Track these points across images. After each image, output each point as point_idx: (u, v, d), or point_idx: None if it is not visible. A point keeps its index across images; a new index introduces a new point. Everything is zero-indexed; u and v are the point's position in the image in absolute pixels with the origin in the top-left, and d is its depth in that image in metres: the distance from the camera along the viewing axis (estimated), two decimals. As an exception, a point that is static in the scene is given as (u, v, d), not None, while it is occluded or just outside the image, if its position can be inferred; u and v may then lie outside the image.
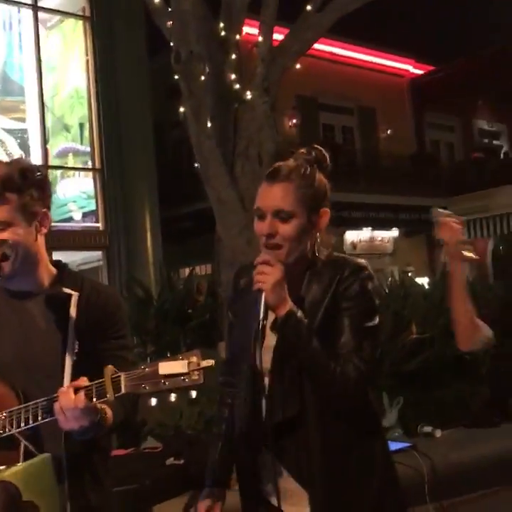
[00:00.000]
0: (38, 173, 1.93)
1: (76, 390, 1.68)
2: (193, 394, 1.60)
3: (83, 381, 1.70)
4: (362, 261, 1.99)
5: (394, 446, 4.16)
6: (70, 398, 1.66)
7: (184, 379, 1.57)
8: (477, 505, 3.58)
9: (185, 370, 1.57)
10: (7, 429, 1.72)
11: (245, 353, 1.89)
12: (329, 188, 2.03)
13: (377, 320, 1.94)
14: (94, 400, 1.67)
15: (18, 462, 1.70)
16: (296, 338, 1.83)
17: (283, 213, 1.90)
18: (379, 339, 2.13)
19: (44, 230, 1.95)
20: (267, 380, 1.91)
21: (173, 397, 1.59)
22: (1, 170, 1.86)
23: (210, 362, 1.60)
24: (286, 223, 1.91)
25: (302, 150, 2.02)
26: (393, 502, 1.99)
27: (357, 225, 16.34)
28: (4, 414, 1.74)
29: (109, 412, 1.78)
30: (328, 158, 2.06)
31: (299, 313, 1.85)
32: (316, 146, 2.04)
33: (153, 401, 1.61)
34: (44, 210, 1.93)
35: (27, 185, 1.88)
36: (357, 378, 1.83)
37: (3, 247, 1.82)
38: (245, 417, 1.96)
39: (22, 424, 1.73)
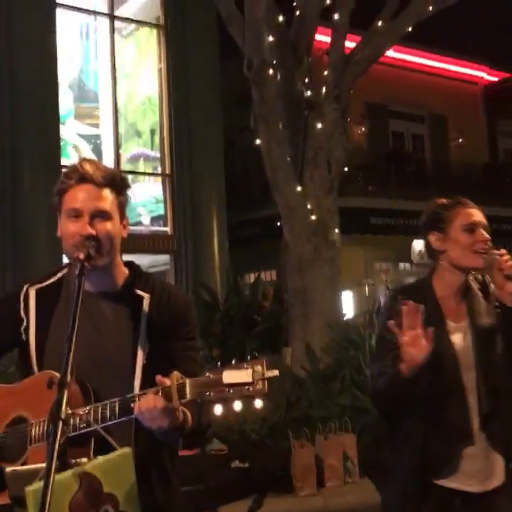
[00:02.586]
0: (128, 182, 2.06)
1: (156, 392, 1.70)
2: (258, 403, 1.59)
3: (166, 381, 1.71)
4: None
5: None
6: (149, 399, 1.69)
7: (248, 388, 1.57)
8: None
9: (249, 379, 1.57)
10: (92, 425, 1.76)
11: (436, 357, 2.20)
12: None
13: None
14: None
15: (89, 457, 1.74)
16: None
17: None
18: None
19: (126, 232, 2.02)
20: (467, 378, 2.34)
21: (237, 405, 1.59)
22: (104, 168, 1.98)
23: (275, 372, 1.59)
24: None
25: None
26: None
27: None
28: (85, 410, 1.79)
29: (189, 415, 1.80)
30: None
31: None
32: None
33: (218, 409, 1.61)
34: (127, 215, 2.04)
35: (124, 187, 2.01)
36: None
37: (88, 244, 1.87)
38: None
39: (100, 422, 1.76)
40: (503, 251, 2.36)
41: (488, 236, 2.42)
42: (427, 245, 2.53)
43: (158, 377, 1.71)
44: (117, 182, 1.98)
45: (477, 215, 2.46)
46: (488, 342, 2.39)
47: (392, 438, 2.46)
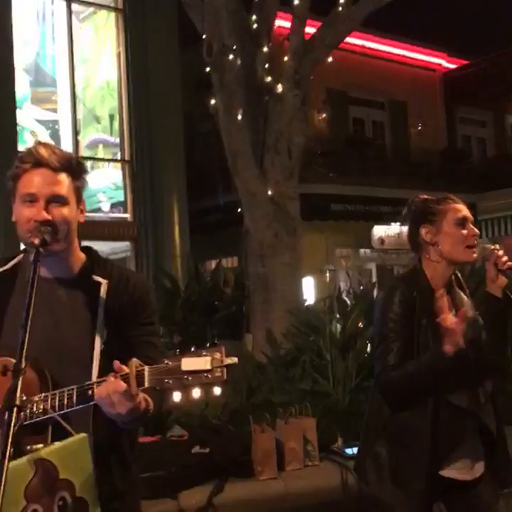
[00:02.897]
0: (85, 166, 2.04)
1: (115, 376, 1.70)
2: (217, 390, 1.60)
3: (123, 368, 1.71)
4: None
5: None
6: (109, 383, 1.68)
7: (207, 375, 1.58)
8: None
9: (208, 366, 1.58)
10: (50, 412, 1.74)
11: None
12: None
13: None
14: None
15: (47, 444, 1.73)
16: None
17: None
18: None
19: (82, 218, 2.00)
20: None
21: (196, 392, 1.60)
22: (60, 152, 1.95)
23: (234, 359, 1.60)
24: None
25: None
26: None
27: (385, 220, 16.25)
28: (40, 397, 1.77)
29: (150, 402, 1.80)
30: None
31: None
32: None
33: (177, 396, 1.62)
34: (83, 199, 2.01)
35: (80, 171, 1.98)
36: None
37: (44, 230, 1.85)
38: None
39: (57, 409, 1.75)
40: (496, 246, 2.49)
41: (477, 231, 2.55)
42: (414, 237, 2.62)
43: (116, 364, 1.70)
44: (73, 166, 1.95)
45: (465, 210, 2.59)
46: (473, 333, 2.47)
47: (391, 434, 2.55)
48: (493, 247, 2.49)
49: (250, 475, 3.85)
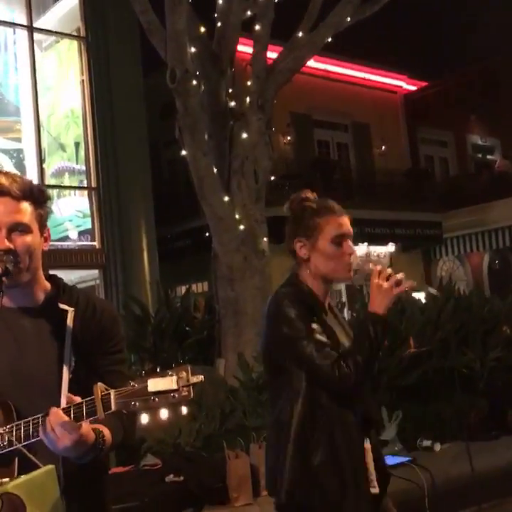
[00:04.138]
0: (47, 194, 2.02)
1: (64, 410, 1.67)
2: (184, 410, 1.59)
3: (75, 399, 1.69)
4: None
5: (393, 460, 4.16)
6: (59, 415, 1.66)
7: (173, 395, 1.56)
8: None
9: (174, 386, 1.56)
10: (15, 443, 1.71)
11: None
12: None
13: None
14: (84, 417, 1.66)
15: (13, 477, 1.69)
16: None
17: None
18: None
19: (47, 246, 1.98)
20: None
21: (164, 413, 1.58)
22: (21, 180, 1.93)
23: (200, 377, 1.59)
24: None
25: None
26: None
27: (352, 241, 16.35)
28: (4, 429, 1.74)
29: (107, 433, 1.77)
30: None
31: None
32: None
33: (145, 418, 1.60)
34: (48, 227, 1.99)
35: (43, 199, 1.96)
36: None
37: (6, 259, 1.82)
38: None
39: (22, 440, 1.72)
40: (378, 267, 2.35)
41: (353, 249, 2.43)
42: (289, 246, 2.51)
43: (68, 396, 1.68)
44: (35, 194, 1.93)
45: (346, 224, 2.46)
46: None
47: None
48: (374, 267, 2.36)
49: (225, 502, 3.81)
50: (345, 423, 2.33)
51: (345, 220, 2.45)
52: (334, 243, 2.40)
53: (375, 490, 2.32)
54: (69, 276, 10.74)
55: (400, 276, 2.31)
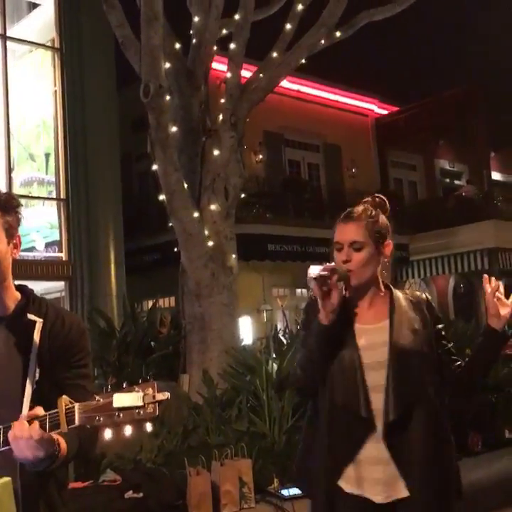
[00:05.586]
0: (16, 201, 2.01)
1: (30, 420, 1.66)
2: (149, 427, 1.58)
3: (39, 411, 1.68)
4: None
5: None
6: (24, 428, 1.64)
7: (139, 412, 1.55)
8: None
9: (140, 402, 1.55)
10: None
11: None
12: (390, 226, 2.67)
13: None
14: (47, 430, 1.65)
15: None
16: None
17: (356, 244, 2.49)
18: None
19: (16, 254, 1.96)
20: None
21: (127, 429, 1.57)
22: None
23: (166, 395, 1.58)
24: (359, 252, 2.49)
25: (368, 198, 2.67)
26: None
27: (321, 260, 16.45)
28: None
29: (62, 444, 1.76)
30: (387, 204, 2.68)
31: None
32: (378, 195, 2.69)
33: (108, 433, 1.59)
34: (18, 234, 1.97)
35: (12, 207, 1.95)
36: None
37: None
38: None
39: None
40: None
41: (342, 258, 2.51)
42: None
43: (29, 411, 1.67)
44: (2, 201, 1.93)
45: (340, 233, 2.57)
46: None
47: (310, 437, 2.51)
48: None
49: (185, 519, 3.78)
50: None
51: (342, 229, 2.56)
52: (336, 249, 2.56)
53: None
54: (34, 287, 10.52)
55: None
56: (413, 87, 22.80)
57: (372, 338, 2.45)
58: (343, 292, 2.39)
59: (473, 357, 2.51)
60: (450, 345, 2.55)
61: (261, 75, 7.65)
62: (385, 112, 21.26)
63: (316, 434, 2.49)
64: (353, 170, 19.56)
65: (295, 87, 17.69)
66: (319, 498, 2.42)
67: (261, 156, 17.32)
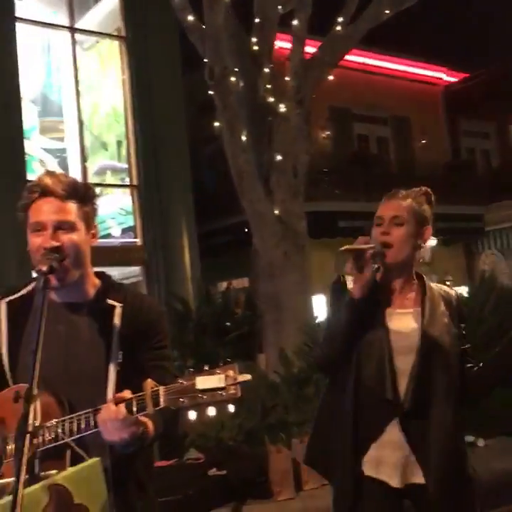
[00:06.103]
0: (93, 191, 2.06)
1: (117, 403, 1.72)
2: (231, 408, 1.61)
3: (126, 394, 1.73)
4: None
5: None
6: (111, 410, 1.70)
7: (221, 393, 1.59)
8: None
9: (222, 384, 1.59)
10: (60, 438, 1.76)
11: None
12: (431, 216, 2.63)
13: None
14: (135, 413, 1.70)
15: (65, 470, 1.74)
16: None
17: (398, 219, 2.48)
18: None
19: (95, 242, 2.02)
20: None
21: (211, 410, 1.61)
22: (66, 180, 1.98)
23: (247, 376, 1.61)
24: (399, 227, 2.48)
25: (415, 189, 2.64)
26: None
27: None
28: (54, 422, 1.79)
29: (150, 425, 1.81)
30: (433, 197, 2.67)
31: None
32: (424, 187, 2.69)
33: (192, 414, 1.63)
34: (95, 224, 2.03)
35: (89, 197, 2.01)
36: None
37: (51, 257, 1.87)
38: None
39: (71, 434, 1.77)
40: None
41: (378, 234, 2.50)
42: None
43: (116, 394, 1.73)
44: (80, 192, 1.98)
45: (381, 209, 2.56)
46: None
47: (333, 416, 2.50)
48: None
49: (268, 496, 3.84)
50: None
51: (386, 204, 2.56)
52: (376, 223, 2.55)
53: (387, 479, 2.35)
54: (111, 272, 10.77)
55: None
56: (482, 52, 22.03)
57: (403, 323, 2.45)
58: (379, 271, 2.40)
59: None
60: (468, 346, 2.59)
61: (325, 50, 7.56)
62: (454, 80, 20.64)
63: (336, 414, 2.46)
64: (423, 141, 19.12)
65: (360, 59, 17.36)
66: (343, 479, 2.40)
67: (328, 132, 17.14)
